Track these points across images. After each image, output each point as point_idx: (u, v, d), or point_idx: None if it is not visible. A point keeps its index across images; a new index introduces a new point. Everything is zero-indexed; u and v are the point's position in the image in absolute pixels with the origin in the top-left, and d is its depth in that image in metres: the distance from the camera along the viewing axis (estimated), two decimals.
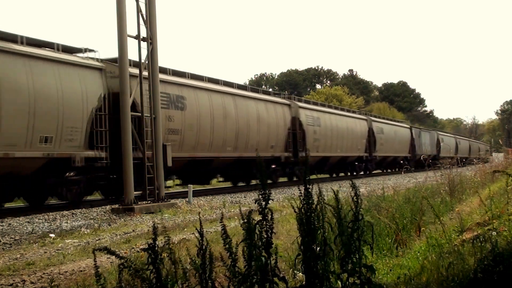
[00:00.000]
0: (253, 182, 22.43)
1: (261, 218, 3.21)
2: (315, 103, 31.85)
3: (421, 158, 41.51)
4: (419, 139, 45.31)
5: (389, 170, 42.28)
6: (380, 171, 40.96)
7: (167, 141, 16.35)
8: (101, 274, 2.96)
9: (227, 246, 3.13)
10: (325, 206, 3.57)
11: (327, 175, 31.93)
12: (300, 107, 26.10)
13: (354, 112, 39.31)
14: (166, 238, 3.15)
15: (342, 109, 35.49)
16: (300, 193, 3.41)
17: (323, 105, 32.99)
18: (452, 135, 62.74)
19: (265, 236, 3.19)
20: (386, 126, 39.21)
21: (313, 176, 19.27)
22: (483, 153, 76.95)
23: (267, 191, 3.22)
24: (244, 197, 17.89)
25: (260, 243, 3.16)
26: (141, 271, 2.86)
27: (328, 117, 29.09)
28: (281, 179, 24.79)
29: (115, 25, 13.24)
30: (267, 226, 3.20)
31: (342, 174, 33.23)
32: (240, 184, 23.33)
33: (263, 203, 3.21)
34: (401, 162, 39.44)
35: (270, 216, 3.21)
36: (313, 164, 26.73)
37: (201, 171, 20.14)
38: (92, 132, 14.44)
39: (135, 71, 14.49)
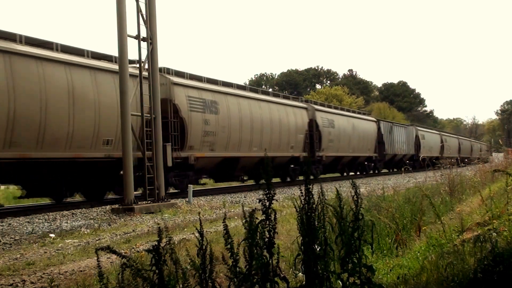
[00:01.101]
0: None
1: (263, 218, 3.21)
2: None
3: (395, 158, 39.96)
4: (390, 136, 39.69)
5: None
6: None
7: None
8: (103, 274, 2.96)
9: (228, 246, 3.13)
10: (326, 205, 3.57)
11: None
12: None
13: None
14: (168, 238, 3.15)
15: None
16: (301, 192, 3.41)
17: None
18: (437, 132, 56.31)
19: (268, 235, 3.19)
20: (339, 118, 31.17)
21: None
22: (482, 153, 73.99)
23: (271, 191, 3.22)
24: (244, 197, 17.90)
25: (262, 243, 3.16)
26: (143, 271, 2.86)
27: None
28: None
29: (115, 25, 13.25)
30: (270, 226, 3.20)
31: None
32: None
33: (267, 202, 3.21)
34: (365, 163, 35.43)
35: (273, 216, 3.21)
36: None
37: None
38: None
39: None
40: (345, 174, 33.82)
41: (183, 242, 7.30)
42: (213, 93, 19.88)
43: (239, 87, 23.16)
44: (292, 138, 25.02)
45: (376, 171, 37.06)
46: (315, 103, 31.07)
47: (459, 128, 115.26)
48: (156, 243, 2.95)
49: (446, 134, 61.11)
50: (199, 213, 12.76)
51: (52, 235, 9.77)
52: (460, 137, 67.69)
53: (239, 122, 20.99)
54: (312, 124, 27.44)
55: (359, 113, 37.77)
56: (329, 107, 33.53)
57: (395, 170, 41.80)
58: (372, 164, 36.11)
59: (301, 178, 26.03)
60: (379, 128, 37.53)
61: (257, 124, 22.16)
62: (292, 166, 25.52)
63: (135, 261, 2.93)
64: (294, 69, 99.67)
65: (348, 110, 35.92)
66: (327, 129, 28.93)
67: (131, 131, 13.43)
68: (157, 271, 2.88)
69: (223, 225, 3.29)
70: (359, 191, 3.69)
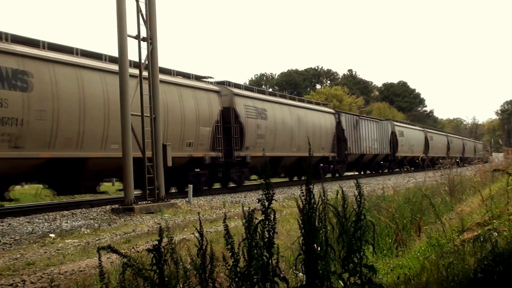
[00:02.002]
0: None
1: (263, 218, 3.21)
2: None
3: (363, 158, 33.93)
4: (356, 131, 32.78)
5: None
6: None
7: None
8: (105, 273, 2.96)
9: (229, 246, 3.13)
10: (327, 205, 3.57)
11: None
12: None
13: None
14: (169, 238, 3.15)
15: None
16: (302, 192, 3.41)
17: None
18: (419, 128, 49.68)
19: (267, 235, 3.19)
20: (275, 107, 24.92)
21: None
22: (477, 153, 66.38)
23: (270, 191, 3.22)
24: (244, 197, 17.91)
25: (261, 243, 3.16)
26: (144, 270, 2.86)
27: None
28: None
29: (115, 25, 13.25)
30: (270, 226, 3.20)
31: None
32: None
33: (266, 202, 3.21)
34: (320, 164, 28.34)
35: (273, 216, 3.21)
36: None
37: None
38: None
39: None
40: (295, 178, 28.33)
41: (183, 242, 7.30)
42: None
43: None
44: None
45: (337, 175, 30.71)
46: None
47: (459, 128, 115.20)
48: (157, 243, 2.95)
49: (433, 131, 54.53)
50: (198, 213, 12.76)
51: (52, 235, 9.77)
52: (450, 134, 61.55)
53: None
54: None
55: (309, 102, 31.31)
56: (261, 92, 26.56)
57: (369, 172, 37.49)
58: (331, 166, 29.80)
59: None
60: (339, 122, 30.80)
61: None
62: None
63: (136, 261, 2.93)
64: (294, 69, 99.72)
65: (293, 99, 28.73)
66: (254, 121, 22.83)
67: (131, 131, 13.44)
68: (157, 270, 2.88)
69: (224, 225, 3.30)
70: (363, 191, 3.69)
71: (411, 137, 44.00)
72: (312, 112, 28.82)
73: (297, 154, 26.00)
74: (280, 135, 24.53)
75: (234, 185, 22.68)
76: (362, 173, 37.17)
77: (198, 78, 20.83)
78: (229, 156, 20.95)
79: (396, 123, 41.93)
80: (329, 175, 29.68)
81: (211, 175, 20.51)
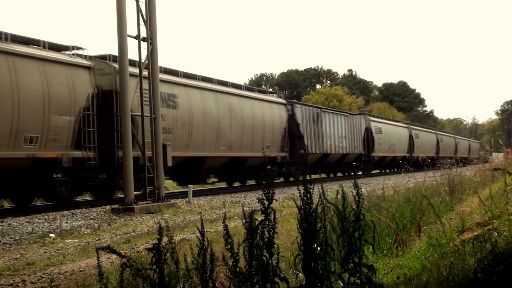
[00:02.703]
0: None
1: (263, 218, 3.21)
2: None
3: (327, 159, 28.27)
4: (316, 127, 27.17)
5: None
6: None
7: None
8: (103, 273, 2.96)
9: (229, 246, 3.13)
10: (326, 205, 3.57)
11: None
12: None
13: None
14: (169, 237, 3.15)
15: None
16: (300, 193, 3.41)
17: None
18: (403, 125, 44.59)
19: (267, 235, 3.19)
20: (201, 94, 19.51)
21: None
22: (471, 153, 62.27)
23: (270, 191, 3.22)
24: (244, 197, 17.91)
25: (262, 243, 3.16)
26: (143, 270, 2.86)
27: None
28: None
29: (115, 25, 13.25)
30: (270, 226, 3.20)
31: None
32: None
33: (267, 202, 3.21)
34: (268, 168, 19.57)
35: (273, 216, 3.21)
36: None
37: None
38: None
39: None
40: (239, 184, 23.90)
41: (183, 242, 7.30)
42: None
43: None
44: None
45: (292, 178, 25.63)
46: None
47: (459, 128, 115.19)
48: (157, 242, 2.95)
49: (419, 128, 49.56)
50: (200, 213, 12.76)
51: (52, 235, 9.77)
52: (440, 132, 56.05)
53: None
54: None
55: (249, 89, 24.81)
56: (171, 73, 18.91)
57: (340, 174, 32.42)
58: (283, 168, 24.86)
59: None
60: (292, 115, 25.33)
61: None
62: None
63: (135, 261, 2.93)
64: (294, 69, 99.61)
65: (223, 84, 21.77)
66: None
67: (131, 131, 13.44)
68: (157, 270, 2.88)
69: (223, 225, 3.30)
70: (361, 191, 3.69)
71: (392, 134, 38.55)
72: (251, 101, 22.48)
73: (227, 154, 20.49)
74: (199, 130, 18.66)
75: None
76: (331, 175, 31.40)
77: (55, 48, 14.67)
78: (110, 157, 15.19)
79: (372, 118, 36.47)
80: (281, 179, 25.41)
81: (75, 185, 14.81)
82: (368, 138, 34.09)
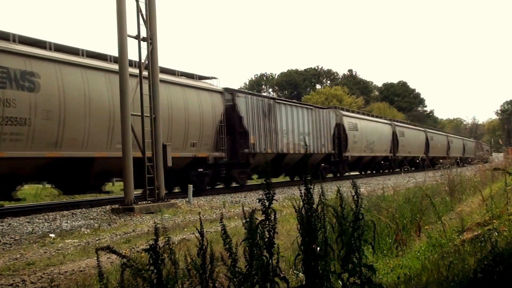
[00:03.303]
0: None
1: (263, 218, 3.21)
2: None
3: (283, 160, 23.75)
4: (268, 121, 22.72)
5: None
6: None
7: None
8: (103, 274, 2.96)
9: (227, 246, 3.13)
10: (326, 206, 3.57)
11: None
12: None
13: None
14: (167, 238, 3.15)
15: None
16: (301, 193, 3.41)
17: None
18: (386, 121, 39.99)
19: (267, 235, 3.19)
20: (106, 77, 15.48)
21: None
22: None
23: (271, 191, 3.22)
24: (244, 197, 17.91)
25: (262, 243, 3.16)
26: (143, 270, 2.87)
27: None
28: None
29: (115, 25, 13.25)
30: (270, 226, 3.20)
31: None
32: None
33: (267, 202, 3.21)
34: (192, 172, 18.97)
35: (273, 216, 3.21)
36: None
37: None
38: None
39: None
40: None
41: (183, 242, 7.30)
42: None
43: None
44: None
45: (235, 183, 22.02)
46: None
47: (459, 128, 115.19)
48: (153, 242, 2.95)
49: (404, 125, 44.46)
50: (199, 213, 12.76)
51: (52, 235, 9.77)
52: (430, 130, 50.82)
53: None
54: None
55: (170, 71, 19.01)
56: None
57: (300, 179, 25.68)
58: (222, 170, 20.70)
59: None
60: (232, 106, 20.77)
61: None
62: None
63: (135, 261, 2.94)
64: (294, 69, 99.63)
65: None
66: (25, 95, 13.52)
67: (131, 130, 13.44)
68: (155, 270, 2.88)
69: (221, 225, 3.30)
70: (359, 191, 3.70)
71: (370, 131, 34.27)
72: (168, 86, 17.46)
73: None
74: (78, 120, 14.31)
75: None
76: (296, 178, 27.24)
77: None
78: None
79: (345, 113, 31.82)
80: (218, 186, 21.96)
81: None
82: (340, 136, 29.37)
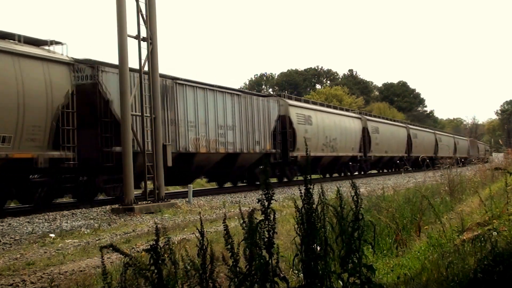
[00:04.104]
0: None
1: (263, 218, 3.21)
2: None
3: (193, 160, 18.06)
4: (169, 111, 17.16)
5: None
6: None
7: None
8: (107, 273, 2.96)
9: (229, 246, 3.13)
10: (326, 205, 3.57)
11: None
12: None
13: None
14: (167, 238, 3.15)
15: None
16: (301, 193, 3.42)
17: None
18: (354, 115, 34.20)
19: (267, 235, 3.19)
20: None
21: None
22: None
23: (270, 191, 3.22)
24: (244, 197, 17.91)
25: (261, 243, 3.16)
26: (145, 270, 2.87)
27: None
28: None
29: (115, 25, 13.25)
30: (269, 226, 3.20)
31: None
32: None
33: (266, 202, 3.21)
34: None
35: (272, 216, 3.22)
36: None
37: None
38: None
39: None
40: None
41: (183, 242, 7.30)
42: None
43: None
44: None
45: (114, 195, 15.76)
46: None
47: (459, 128, 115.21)
48: (154, 242, 2.96)
49: (375, 118, 38.26)
50: (199, 213, 12.77)
51: (52, 235, 9.77)
52: (412, 126, 44.81)
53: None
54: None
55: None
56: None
57: (229, 185, 23.97)
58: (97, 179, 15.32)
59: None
60: (94, 85, 14.67)
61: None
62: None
63: (138, 260, 2.94)
64: (294, 69, 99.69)
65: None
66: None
67: (131, 130, 13.44)
68: (155, 270, 2.88)
69: (223, 225, 3.30)
70: (359, 191, 3.70)
71: (331, 127, 28.78)
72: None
73: None
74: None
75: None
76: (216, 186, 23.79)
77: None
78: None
79: (292, 103, 26.00)
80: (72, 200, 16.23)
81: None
82: (286, 131, 24.20)
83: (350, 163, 31.86)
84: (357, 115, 34.78)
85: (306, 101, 30.02)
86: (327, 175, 30.99)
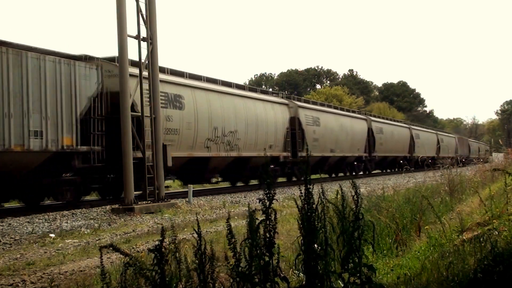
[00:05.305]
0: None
1: (264, 218, 3.21)
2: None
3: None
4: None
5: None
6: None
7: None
8: (106, 273, 2.97)
9: (231, 246, 3.13)
10: (327, 205, 3.57)
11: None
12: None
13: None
14: (173, 237, 3.15)
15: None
16: (301, 193, 3.42)
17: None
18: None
19: (268, 235, 3.20)
20: None
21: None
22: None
23: (271, 191, 3.23)
24: (244, 197, 17.91)
25: (262, 243, 3.16)
26: (146, 270, 2.87)
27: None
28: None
29: (115, 25, 13.25)
30: (270, 226, 3.20)
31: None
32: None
33: (267, 202, 3.21)
34: None
35: (273, 216, 3.22)
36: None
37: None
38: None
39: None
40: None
41: (183, 242, 7.30)
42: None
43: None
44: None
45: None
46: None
47: (459, 128, 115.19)
48: (159, 243, 2.96)
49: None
50: (198, 213, 12.77)
51: (52, 235, 9.77)
52: (374, 118, 36.53)
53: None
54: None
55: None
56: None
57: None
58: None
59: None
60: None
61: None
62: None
63: (138, 260, 2.94)
64: (294, 69, 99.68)
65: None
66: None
67: (131, 131, 13.43)
68: (159, 270, 2.88)
69: (227, 225, 3.30)
70: (359, 190, 3.70)
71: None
72: None
73: None
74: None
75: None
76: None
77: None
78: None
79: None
80: None
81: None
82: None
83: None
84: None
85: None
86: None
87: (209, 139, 18.57)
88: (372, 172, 35.54)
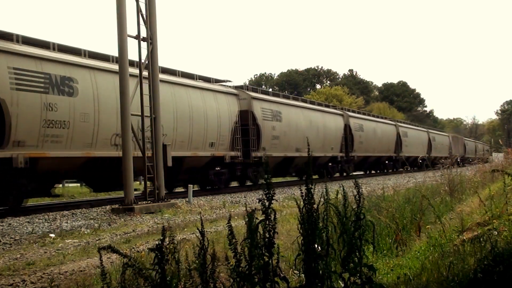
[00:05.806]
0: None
1: (263, 218, 3.21)
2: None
3: None
4: None
5: None
6: None
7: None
8: (106, 273, 2.96)
9: (232, 246, 3.13)
10: (328, 205, 3.57)
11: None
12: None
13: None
14: (171, 238, 3.16)
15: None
16: (301, 193, 3.42)
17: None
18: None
19: (268, 235, 3.20)
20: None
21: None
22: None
23: (271, 191, 3.22)
24: (244, 197, 17.91)
25: (262, 243, 3.16)
26: (145, 270, 2.87)
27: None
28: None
29: (115, 25, 13.25)
30: (270, 226, 3.20)
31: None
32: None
33: (267, 202, 3.21)
34: None
35: (273, 216, 3.22)
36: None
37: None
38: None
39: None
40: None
41: (184, 242, 7.30)
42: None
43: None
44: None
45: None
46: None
47: (459, 128, 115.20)
48: (159, 242, 2.96)
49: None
50: (200, 213, 12.77)
51: (52, 235, 9.77)
52: (352, 114, 33.44)
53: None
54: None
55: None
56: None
57: None
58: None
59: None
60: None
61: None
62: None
63: (136, 261, 2.94)
64: (294, 69, 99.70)
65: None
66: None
67: (131, 131, 13.43)
68: (159, 270, 2.88)
69: (228, 225, 3.30)
70: (361, 190, 3.70)
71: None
72: None
73: None
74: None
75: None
76: None
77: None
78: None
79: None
80: None
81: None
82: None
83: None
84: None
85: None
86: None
87: (118, 134, 14.46)
88: (351, 174, 30.81)
